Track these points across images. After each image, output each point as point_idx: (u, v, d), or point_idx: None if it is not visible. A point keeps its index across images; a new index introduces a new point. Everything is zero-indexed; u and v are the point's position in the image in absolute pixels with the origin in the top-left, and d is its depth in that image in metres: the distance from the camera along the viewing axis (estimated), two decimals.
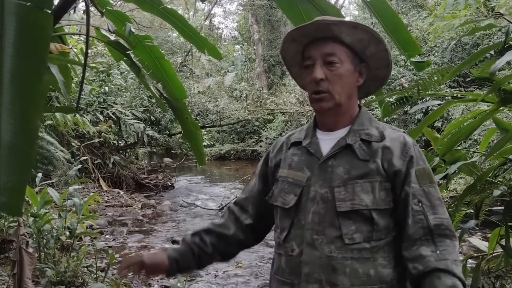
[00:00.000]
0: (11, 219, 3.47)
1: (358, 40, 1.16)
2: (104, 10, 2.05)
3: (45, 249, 3.70)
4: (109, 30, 1.97)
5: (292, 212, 1.15)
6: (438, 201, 1.11)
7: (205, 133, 16.10)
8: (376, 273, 1.06)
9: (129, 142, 10.56)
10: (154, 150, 13.61)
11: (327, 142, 1.17)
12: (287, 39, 1.20)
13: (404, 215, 1.09)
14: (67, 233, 3.84)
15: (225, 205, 7.16)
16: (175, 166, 11.60)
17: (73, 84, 4.79)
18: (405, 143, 1.14)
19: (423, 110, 7.95)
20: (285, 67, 1.31)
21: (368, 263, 1.07)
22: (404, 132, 1.20)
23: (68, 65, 2.18)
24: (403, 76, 9.86)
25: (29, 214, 3.61)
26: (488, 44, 7.98)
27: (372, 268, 1.06)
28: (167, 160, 13.03)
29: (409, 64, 8.63)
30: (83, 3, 1.87)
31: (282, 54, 1.26)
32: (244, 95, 16.78)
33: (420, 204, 1.08)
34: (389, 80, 9.93)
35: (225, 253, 1.34)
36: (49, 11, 0.76)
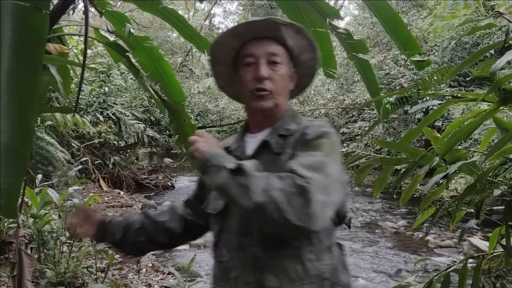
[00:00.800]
0: (11, 220, 3.46)
1: (298, 45, 1.17)
2: (103, 11, 2.05)
3: (45, 250, 3.69)
4: (108, 31, 1.96)
5: (221, 217, 1.14)
6: (331, 171, 0.96)
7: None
8: (304, 269, 1.04)
9: (129, 143, 10.57)
10: (154, 150, 13.61)
11: (252, 144, 1.18)
12: (229, 33, 1.17)
13: None
14: (67, 233, 3.83)
15: None
16: (175, 166, 11.60)
17: (72, 85, 4.78)
18: (308, 126, 1.10)
19: (423, 110, 7.94)
20: (210, 63, 1.26)
21: (295, 259, 1.04)
22: (323, 122, 1.14)
23: (68, 65, 2.17)
24: (403, 75, 9.85)
25: (29, 215, 3.60)
26: (488, 43, 7.97)
27: (299, 264, 1.04)
28: (167, 160, 13.01)
29: (409, 63, 8.64)
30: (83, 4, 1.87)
31: (214, 49, 1.21)
32: None
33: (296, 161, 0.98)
34: (389, 80, 9.85)
35: (155, 241, 1.31)
36: (46, 12, 0.75)
